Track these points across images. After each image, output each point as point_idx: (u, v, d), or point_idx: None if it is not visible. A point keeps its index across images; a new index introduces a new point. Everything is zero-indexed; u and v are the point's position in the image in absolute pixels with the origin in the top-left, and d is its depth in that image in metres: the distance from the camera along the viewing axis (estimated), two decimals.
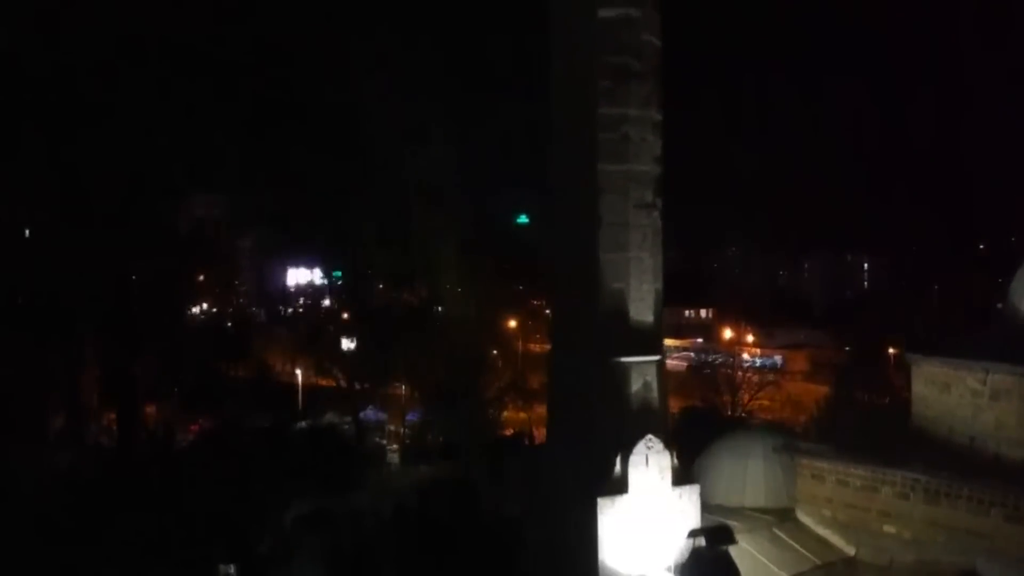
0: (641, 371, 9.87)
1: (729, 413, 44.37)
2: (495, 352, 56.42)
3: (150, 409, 37.11)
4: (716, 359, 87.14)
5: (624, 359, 9.88)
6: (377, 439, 43.62)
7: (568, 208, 10.19)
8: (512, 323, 73.50)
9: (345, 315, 75.51)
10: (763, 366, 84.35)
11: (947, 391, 11.57)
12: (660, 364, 10.07)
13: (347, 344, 61.62)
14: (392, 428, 46.15)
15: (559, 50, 10.24)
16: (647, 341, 10.07)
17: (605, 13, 9.64)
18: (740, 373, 49.42)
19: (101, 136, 34.14)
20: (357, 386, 46.65)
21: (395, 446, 42.60)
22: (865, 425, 28.10)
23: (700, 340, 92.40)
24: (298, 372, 50.43)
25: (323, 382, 49.89)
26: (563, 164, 10.36)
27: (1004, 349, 11.19)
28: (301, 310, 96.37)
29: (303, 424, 42.67)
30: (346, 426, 42.66)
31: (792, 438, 14.11)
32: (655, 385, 9.97)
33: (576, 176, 10.11)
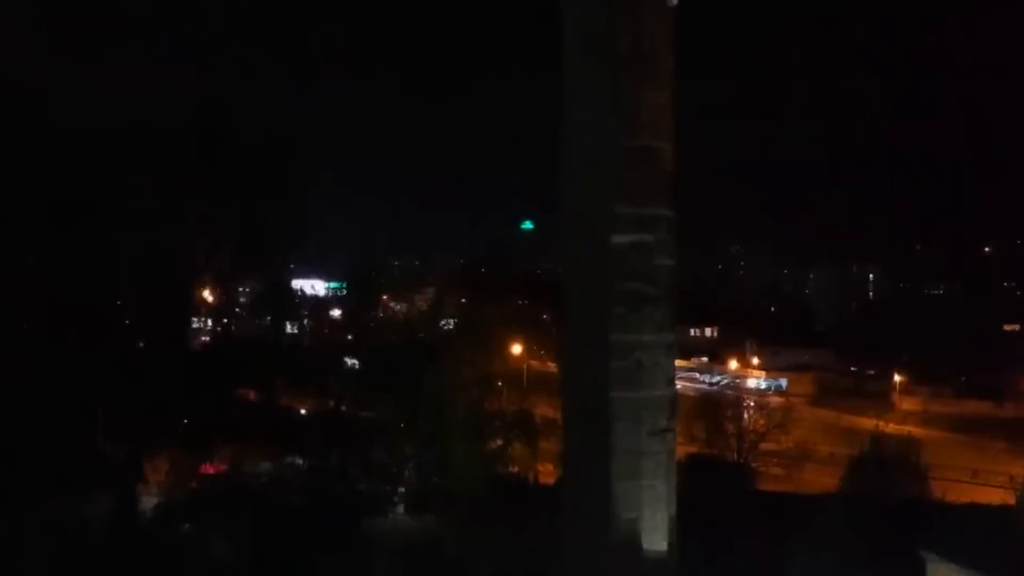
0: None
1: (736, 458, 44.33)
2: (500, 384, 56.25)
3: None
4: (722, 380, 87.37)
5: None
6: (384, 486, 43.15)
7: (580, 435, 9.95)
8: (517, 347, 73.32)
9: (349, 336, 75.25)
10: (768, 388, 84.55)
11: None
12: None
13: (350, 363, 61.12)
14: (396, 471, 45.86)
15: (571, 273, 9.99)
16: (661, 571, 9.80)
17: (618, 239, 9.39)
18: (747, 415, 49.22)
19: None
20: (362, 414, 46.26)
21: (402, 489, 42.32)
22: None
23: (705, 359, 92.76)
24: (303, 411, 50.10)
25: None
26: (575, 389, 10.11)
27: (1016, 564, 10.95)
28: (306, 324, 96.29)
29: (305, 466, 42.25)
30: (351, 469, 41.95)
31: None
32: None
33: (587, 402, 9.86)
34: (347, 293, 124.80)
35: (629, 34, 9.48)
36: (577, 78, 9.76)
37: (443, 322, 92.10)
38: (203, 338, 63.19)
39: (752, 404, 57.50)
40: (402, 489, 41.72)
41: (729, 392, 75.47)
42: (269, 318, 78.18)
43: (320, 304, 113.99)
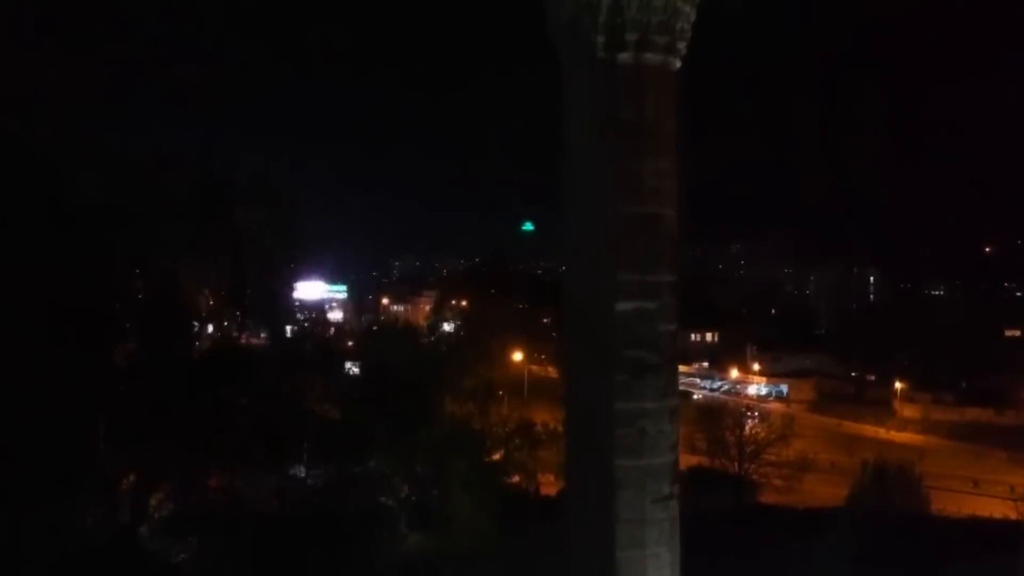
0: None
1: (737, 469, 44.27)
2: (500, 392, 56.17)
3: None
4: (723, 386, 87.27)
5: None
6: (385, 500, 42.95)
7: (583, 503, 9.90)
8: (518, 354, 73.30)
9: (350, 342, 75.16)
10: (769, 394, 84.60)
11: None
12: None
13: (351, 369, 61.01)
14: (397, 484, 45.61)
15: (573, 340, 9.95)
16: None
17: (622, 307, 9.34)
18: (748, 426, 49.01)
19: None
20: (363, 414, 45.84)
21: (403, 503, 42.09)
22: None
23: (706, 364, 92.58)
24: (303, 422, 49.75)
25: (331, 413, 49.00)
26: (578, 457, 10.06)
27: None
28: (307, 325, 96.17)
29: (310, 480, 42.09)
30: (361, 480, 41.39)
31: None
32: None
33: (591, 470, 9.82)
34: (348, 296, 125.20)
35: (631, 102, 9.37)
36: (578, 145, 9.67)
37: (444, 327, 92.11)
38: (203, 343, 62.94)
39: (753, 413, 57.38)
40: (403, 502, 41.51)
41: (730, 398, 75.64)
42: (269, 323, 78.12)
43: (321, 307, 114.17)
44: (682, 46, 9.67)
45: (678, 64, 9.75)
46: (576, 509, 10.32)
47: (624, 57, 9.33)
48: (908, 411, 79.23)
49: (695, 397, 75.38)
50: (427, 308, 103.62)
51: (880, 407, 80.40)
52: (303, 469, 43.51)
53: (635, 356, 9.85)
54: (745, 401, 74.10)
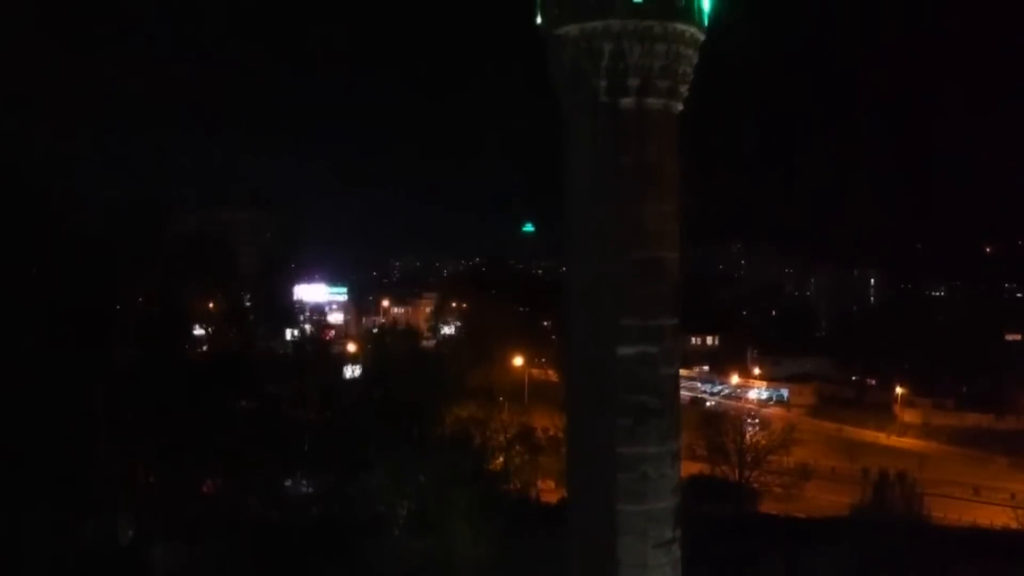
0: None
1: (738, 477, 44.25)
2: (501, 398, 55.99)
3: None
4: (723, 390, 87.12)
5: None
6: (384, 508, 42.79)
7: (586, 548, 9.91)
8: (518, 359, 73.04)
9: (351, 346, 74.98)
10: (770, 398, 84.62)
11: None
12: None
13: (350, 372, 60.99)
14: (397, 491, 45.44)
15: (577, 384, 9.97)
16: None
17: (624, 351, 9.32)
18: (748, 435, 48.81)
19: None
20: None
21: (404, 512, 41.97)
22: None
23: (706, 368, 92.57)
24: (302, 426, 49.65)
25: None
26: (581, 503, 10.07)
27: None
28: (308, 327, 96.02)
29: (310, 488, 41.92)
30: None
31: None
32: None
33: (593, 516, 9.82)
34: (348, 297, 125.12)
35: (633, 147, 9.33)
36: (580, 190, 9.61)
37: (444, 329, 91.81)
38: (202, 347, 62.92)
39: (754, 419, 57.33)
40: (403, 511, 41.38)
41: (731, 403, 75.63)
42: (269, 328, 77.81)
43: (322, 309, 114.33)
44: (684, 89, 9.60)
45: (680, 107, 9.69)
46: (578, 554, 10.30)
47: (627, 102, 9.26)
48: (908, 416, 79.13)
49: (708, 404, 75.08)
50: (428, 310, 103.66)
51: (880, 411, 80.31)
52: (303, 477, 43.43)
53: (637, 401, 9.81)
54: (746, 406, 74.11)
